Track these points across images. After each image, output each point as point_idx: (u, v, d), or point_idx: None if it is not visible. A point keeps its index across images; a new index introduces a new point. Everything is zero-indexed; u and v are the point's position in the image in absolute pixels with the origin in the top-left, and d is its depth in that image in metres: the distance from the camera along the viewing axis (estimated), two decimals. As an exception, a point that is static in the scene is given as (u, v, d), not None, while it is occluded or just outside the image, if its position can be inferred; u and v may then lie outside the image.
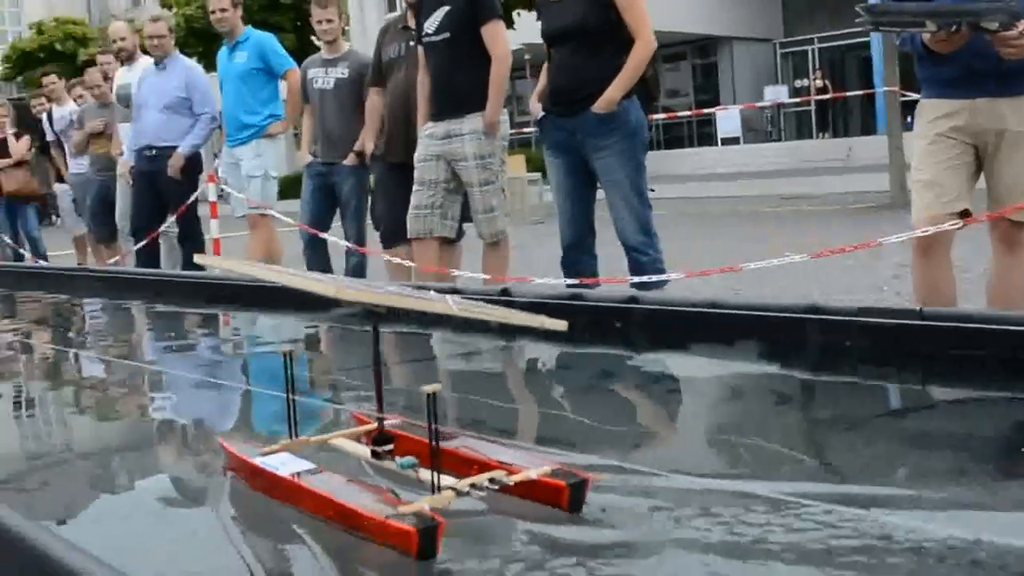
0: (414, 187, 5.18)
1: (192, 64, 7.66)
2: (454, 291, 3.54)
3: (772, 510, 1.54)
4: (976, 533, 1.41)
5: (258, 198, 6.90)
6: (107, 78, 8.83)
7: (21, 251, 10.44)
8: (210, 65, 8.49)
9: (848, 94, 26.43)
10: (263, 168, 6.94)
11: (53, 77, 10.36)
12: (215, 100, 7.38)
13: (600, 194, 4.65)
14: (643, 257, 4.51)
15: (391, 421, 1.74)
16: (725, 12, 30.46)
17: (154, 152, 7.25)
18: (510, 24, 15.52)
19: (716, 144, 29.55)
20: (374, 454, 1.71)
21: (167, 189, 7.24)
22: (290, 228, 6.90)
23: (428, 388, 1.49)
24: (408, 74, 5.62)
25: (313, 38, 7.31)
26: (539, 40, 4.73)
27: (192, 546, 1.63)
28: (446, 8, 5.01)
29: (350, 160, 6.29)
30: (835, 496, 1.59)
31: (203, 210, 7.43)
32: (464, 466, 1.62)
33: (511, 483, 1.54)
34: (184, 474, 2.14)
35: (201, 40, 24.88)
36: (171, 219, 7.31)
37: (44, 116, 10.22)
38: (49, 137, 10.21)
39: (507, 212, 5.33)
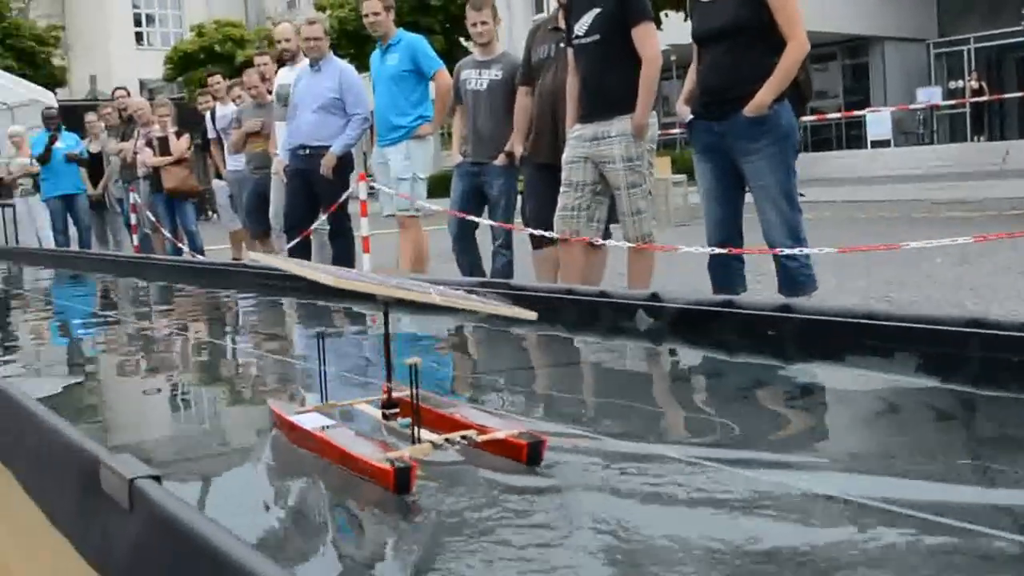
0: (561, 188, 5.21)
1: (345, 65, 7.83)
2: (602, 293, 3.55)
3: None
4: None
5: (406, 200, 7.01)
6: (264, 79, 9.09)
7: (179, 245, 10.83)
8: (362, 67, 8.66)
9: (1005, 96, 25.49)
10: (411, 171, 7.05)
11: (218, 77, 10.73)
12: (368, 101, 7.54)
13: (749, 198, 4.59)
14: (791, 263, 4.45)
15: (399, 392, 2.08)
16: (877, 11, 29.70)
17: (308, 151, 7.45)
18: (658, 25, 15.41)
19: (865, 147, 28.82)
20: (384, 416, 2.09)
21: (320, 188, 7.44)
22: (439, 227, 6.99)
23: (410, 361, 1.87)
24: (557, 75, 5.66)
25: (461, 39, 7.39)
26: (687, 41, 4.69)
27: (235, 483, 2.07)
28: (597, 10, 5.02)
29: (500, 160, 6.35)
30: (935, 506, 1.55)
31: (353, 208, 7.61)
32: (454, 428, 1.98)
33: (478, 440, 1.90)
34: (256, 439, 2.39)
35: (353, 42, 25.44)
36: (323, 217, 7.50)
37: (207, 114, 10.56)
38: (211, 135, 10.51)
39: (654, 215, 5.31)
